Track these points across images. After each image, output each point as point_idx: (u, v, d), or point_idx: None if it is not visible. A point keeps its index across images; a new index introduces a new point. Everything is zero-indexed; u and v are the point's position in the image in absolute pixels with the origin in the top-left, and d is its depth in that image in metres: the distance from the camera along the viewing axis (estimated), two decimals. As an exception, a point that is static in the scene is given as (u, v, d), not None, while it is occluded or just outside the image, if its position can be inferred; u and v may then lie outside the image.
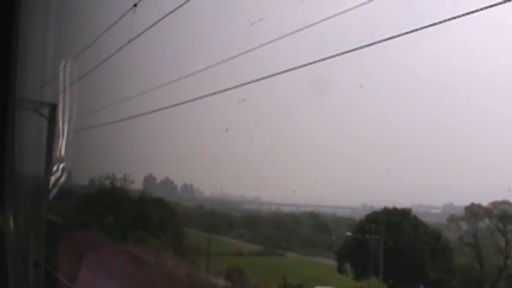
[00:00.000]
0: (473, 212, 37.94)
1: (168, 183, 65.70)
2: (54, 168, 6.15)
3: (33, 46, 4.86)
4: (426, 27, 8.52)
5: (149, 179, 62.22)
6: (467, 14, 8.27)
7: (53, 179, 6.06)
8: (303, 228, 56.58)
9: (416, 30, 8.69)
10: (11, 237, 3.43)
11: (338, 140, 71.62)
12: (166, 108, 16.05)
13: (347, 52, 9.75)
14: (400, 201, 57.77)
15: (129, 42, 13.78)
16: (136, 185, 59.90)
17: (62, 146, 6.81)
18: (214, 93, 14.07)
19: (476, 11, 8.20)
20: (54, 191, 6.41)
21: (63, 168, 6.67)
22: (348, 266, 38.32)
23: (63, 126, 6.88)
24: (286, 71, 11.33)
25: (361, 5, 9.58)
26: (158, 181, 64.66)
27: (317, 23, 11.12)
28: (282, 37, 12.38)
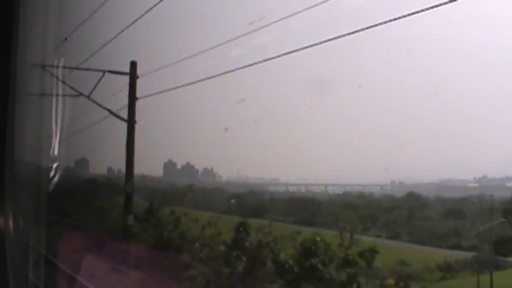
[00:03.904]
0: None
1: (189, 168, 65.71)
2: (55, 166, 6.26)
3: (32, 45, 4.96)
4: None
5: (169, 165, 62.36)
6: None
7: (53, 176, 6.18)
8: (434, 215, 43.32)
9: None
10: (11, 237, 3.52)
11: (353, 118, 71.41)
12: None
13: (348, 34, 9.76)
14: (427, 176, 57.08)
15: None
16: (156, 172, 59.94)
17: (63, 141, 6.91)
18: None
19: None
20: (56, 187, 6.51)
21: (64, 165, 6.77)
22: None
23: (65, 122, 6.99)
24: (288, 52, 11.45)
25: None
26: (179, 166, 64.72)
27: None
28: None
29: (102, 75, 16.25)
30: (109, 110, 16.73)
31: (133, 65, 16.88)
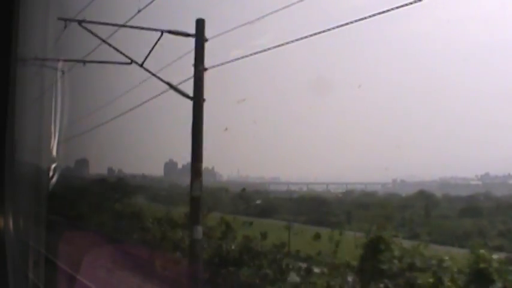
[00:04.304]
0: None
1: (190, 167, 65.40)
2: (57, 166, 6.26)
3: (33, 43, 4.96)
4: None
5: (170, 165, 62.27)
6: None
7: (57, 177, 6.18)
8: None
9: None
10: (11, 237, 3.53)
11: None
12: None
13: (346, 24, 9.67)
14: (429, 174, 56.87)
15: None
16: (156, 171, 59.60)
17: (63, 141, 6.92)
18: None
19: None
20: (56, 186, 6.52)
21: (66, 165, 6.78)
22: None
23: (65, 122, 6.99)
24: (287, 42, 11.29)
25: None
26: (180, 166, 64.76)
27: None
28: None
29: (160, 36, 12.76)
30: (169, 84, 12.97)
31: (200, 23, 12.85)
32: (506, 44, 60.37)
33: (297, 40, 10.88)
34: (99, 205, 31.59)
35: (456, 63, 68.76)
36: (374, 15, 9.01)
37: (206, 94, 12.88)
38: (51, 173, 6.04)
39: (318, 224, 38.17)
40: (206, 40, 12.91)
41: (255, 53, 12.56)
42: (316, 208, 46.50)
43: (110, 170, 53.28)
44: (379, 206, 45.35)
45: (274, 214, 43.92)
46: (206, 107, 12.85)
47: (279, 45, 11.84)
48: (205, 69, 12.81)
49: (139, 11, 13.07)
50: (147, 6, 12.95)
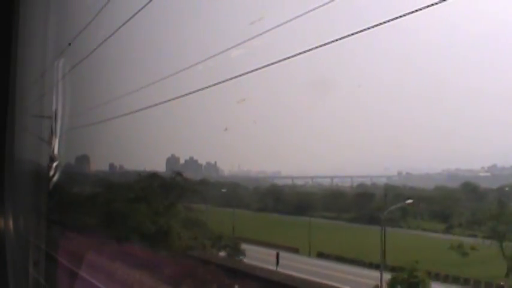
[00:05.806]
0: None
1: (192, 162, 65.64)
2: (55, 165, 6.27)
3: (32, 40, 4.97)
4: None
5: (172, 160, 62.30)
6: None
7: (53, 176, 6.19)
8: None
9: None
10: (11, 237, 3.54)
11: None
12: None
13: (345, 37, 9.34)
14: (434, 167, 56.59)
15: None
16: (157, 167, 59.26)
17: (64, 141, 6.92)
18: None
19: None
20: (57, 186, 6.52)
21: (64, 164, 6.78)
22: None
23: (65, 121, 6.99)
24: (285, 58, 11.04)
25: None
26: (182, 161, 64.60)
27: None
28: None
29: None
30: None
31: None
32: (506, 42, 60.18)
33: (303, 52, 10.49)
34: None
35: (455, 62, 68.71)
36: (377, 25, 8.86)
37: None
38: (52, 172, 6.06)
39: (372, 223, 33.33)
40: None
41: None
42: (362, 204, 42.53)
43: (112, 166, 53.23)
44: (427, 200, 41.18)
45: (309, 211, 40.78)
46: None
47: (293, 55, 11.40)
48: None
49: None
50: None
